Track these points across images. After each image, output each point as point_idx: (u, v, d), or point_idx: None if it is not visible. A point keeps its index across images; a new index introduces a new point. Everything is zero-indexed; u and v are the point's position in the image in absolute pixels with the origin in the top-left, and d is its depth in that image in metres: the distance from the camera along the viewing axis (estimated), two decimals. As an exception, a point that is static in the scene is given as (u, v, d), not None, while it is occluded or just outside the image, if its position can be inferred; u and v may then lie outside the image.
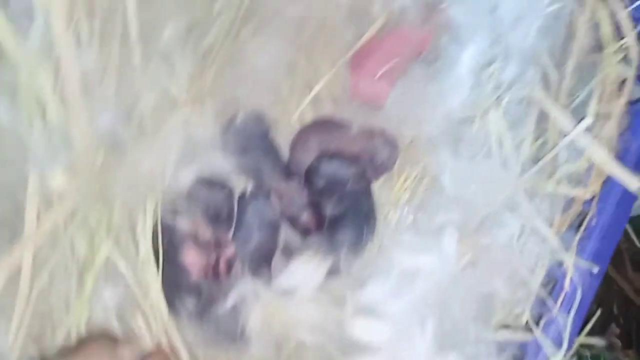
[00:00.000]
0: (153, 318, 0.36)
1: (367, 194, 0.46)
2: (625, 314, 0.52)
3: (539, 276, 0.37)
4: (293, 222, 0.44)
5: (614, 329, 0.50)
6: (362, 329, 0.35)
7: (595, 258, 0.36)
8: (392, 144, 0.47)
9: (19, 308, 0.33)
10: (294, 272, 0.38)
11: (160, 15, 0.40)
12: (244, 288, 0.38)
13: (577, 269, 0.36)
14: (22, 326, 0.33)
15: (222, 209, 0.43)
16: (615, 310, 0.51)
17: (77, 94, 0.35)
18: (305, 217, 0.43)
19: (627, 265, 0.54)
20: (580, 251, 0.36)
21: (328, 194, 0.44)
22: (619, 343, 0.50)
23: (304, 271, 0.38)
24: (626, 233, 0.56)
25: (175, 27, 0.40)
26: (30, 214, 0.33)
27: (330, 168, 0.45)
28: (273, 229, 0.44)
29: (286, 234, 0.45)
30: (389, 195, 0.47)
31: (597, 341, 0.37)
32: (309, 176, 0.45)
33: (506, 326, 0.37)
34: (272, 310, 0.37)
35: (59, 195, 0.35)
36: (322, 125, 0.47)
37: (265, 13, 0.45)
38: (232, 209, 0.43)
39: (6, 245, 0.33)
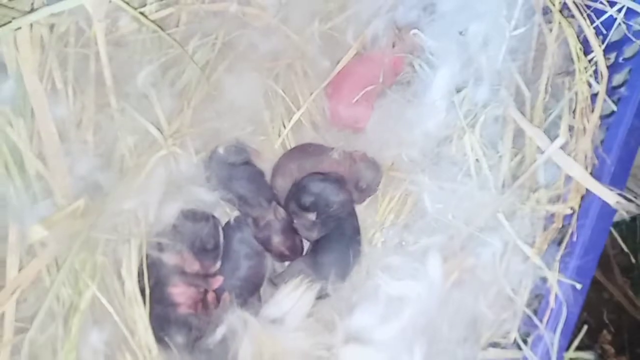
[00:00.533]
0: (142, 356, 0.36)
1: (351, 216, 0.46)
2: (617, 320, 0.52)
3: (524, 294, 0.37)
4: (270, 248, 0.44)
5: (606, 335, 0.50)
6: (351, 357, 0.36)
7: (579, 274, 0.36)
8: (374, 167, 0.48)
9: (5, 355, 0.33)
10: (281, 301, 0.39)
11: (133, 58, 0.41)
12: (233, 320, 0.38)
13: (562, 285, 0.36)
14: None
15: (208, 241, 0.43)
16: (606, 316, 0.52)
17: (54, 144, 0.36)
18: (281, 242, 0.44)
19: (616, 271, 0.55)
20: (563, 268, 0.37)
21: (311, 214, 0.44)
22: (611, 350, 0.50)
23: (291, 299, 0.38)
24: (613, 239, 0.56)
25: (149, 69, 0.41)
26: (11, 265, 0.33)
27: (318, 187, 0.45)
28: (260, 256, 0.44)
29: (273, 261, 0.45)
30: (374, 217, 0.48)
31: (586, 355, 0.37)
32: (297, 194, 0.45)
33: (495, 344, 0.38)
34: (262, 341, 0.37)
35: (41, 245, 0.35)
36: (303, 151, 0.48)
37: (239, 48, 0.46)
38: (218, 240, 0.44)
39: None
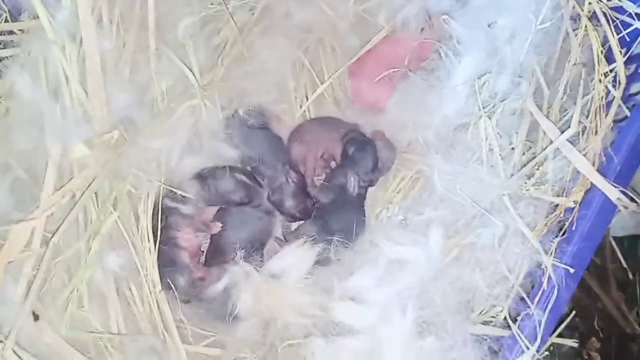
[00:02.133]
0: (147, 288, 0.39)
1: (364, 189, 0.48)
2: (607, 329, 0.54)
3: (519, 275, 0.39)
4: (282, 210, 0.46)
5: (594, 342, 0.52)
6: (345, 313, 0.38)
7: (574, 261, 0.38)
8: (390, 147, 0.50)
9: (29, 264, 0.35)
10: (283, 257, 0.41)
11: (177, 8, 0.44)
12: (236, 271, 0.41)
13: (556, 270, 0.38)
14: (33, 282, 0.35)
15: (237, 199, 0.46)
16: (597, 324, 0.53)
17: (97, 74, 0.39)
18: (293, 205, 0.46)
19: (612, 284, 0.56)
20: (559, 253, 0.39)
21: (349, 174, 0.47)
22: (598, 357, 0.52)
23: (293, 256, 0.41)
24: (614, 253, 0.58)
25: (190, 20, 0.44)
26: (49, 180, 0.36)
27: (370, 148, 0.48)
28: (269, 216, 0.47)
29: (282, 222, 0.48)
30: (383, 195, 0.50)
31: (570, 341, 0.39)
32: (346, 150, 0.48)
33: (485, 322, 0.40)
34: (260, 293, 0.39)
35: (78, 165, 0.38)
36: (323, 123, 0.51)
37: (276, 15, 0.49)
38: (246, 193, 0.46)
39: (24, 208, 0.36)
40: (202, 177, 0.45)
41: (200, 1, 0.46)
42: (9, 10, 0.39)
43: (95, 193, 0.38)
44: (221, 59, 0.47)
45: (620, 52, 0.47)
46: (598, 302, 0.56)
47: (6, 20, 0.40)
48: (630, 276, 0.57)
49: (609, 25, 0.47)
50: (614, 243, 0.58)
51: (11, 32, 0.40)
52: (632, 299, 0.57)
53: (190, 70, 0.44)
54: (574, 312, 0.39)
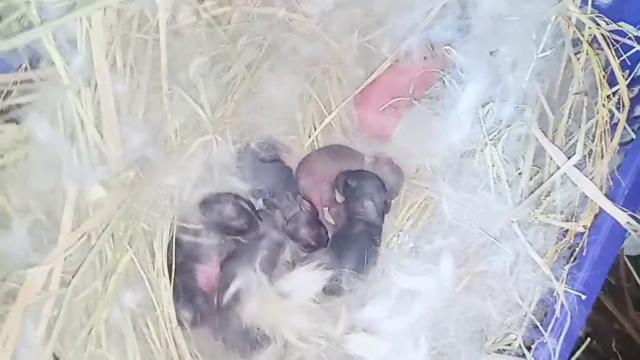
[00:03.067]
0: (163, 324, 0.40)
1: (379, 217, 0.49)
2: (626, 351, 0.53)
3: (532, 303, 0.39)
4: (298, 238, 0.47)
5: (613, 365, 0.52)
6: (358, 345, 0.38)
7: (586, 287, 0.38)
8: (398, 172, 0.51)
9: (48, 307, 0.36)
10: (294, 278, 0.41)
11: (187, 49, 0.46)
12: (250, 275, 0.41)
13: (568, 297, 0.38)
14: (53, 324, 0.36)
15: (237, 225, 0.47)
16: (614, 346, 0.53)
17: (112, 116, 0.40)
18: (307, 233, 0.47)
19: (629, 304, 0.56)
20: (571, 280, 0.39)
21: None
22: (617, 380, 0.51)
23: (303, 278, 0.41)
24: (629, 272, 0.58)
25: (200, 60, 0.46)
26: (66, 222, 0.37)
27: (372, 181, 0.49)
28: (278, 246, 0.48)
29: (291, 251, 0.48)
30: (393, 222, 0.51)
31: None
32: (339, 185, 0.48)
33: (499, 351, 0.39)
34: (268, 304, 0.40)
35: (94, 206, 0.39)
36: (331, 152, 0.52)
37: (283, 50, 0.50)
38: (247, 220, 0.47)
39: (42, 250, 0.37)
40: (206, 202, 0.46)
41: (210, 41, 0.47)
42: (29, 60, 0.41)
43: (112, 233, 0.39)
44: (231, 95, 0.49)
45: (623, 75, 0.48)
46: (615, 323, 0.55)
47: (25, 69, 0.42)
48: (646, 295, 0.57)
49: (610, 49, 0.48)
50: (628, 262, 0.57)
51: (30, 81, 0.42)
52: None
53: (202, 108, 0.46)
54: (589, 339, 0.39)
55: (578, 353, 0.39)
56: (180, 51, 0.45)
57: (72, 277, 0.37)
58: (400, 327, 0.39)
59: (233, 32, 0.48)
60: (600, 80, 0.45)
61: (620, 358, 0.52)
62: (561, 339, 0.37)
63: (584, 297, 0.38)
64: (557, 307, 0.38)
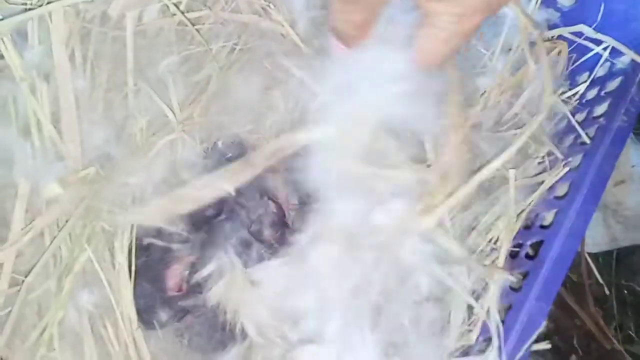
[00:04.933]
0: (122, 326, 0.37)
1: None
2: (586, 347, 0.52)
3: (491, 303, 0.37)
4: (262, 239, 0.45)
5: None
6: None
7: (545, 284, 0.37)
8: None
9: (-1, 306, 0.34)
10: (264, 268, 0.39)
11: (155, 47, 0.44)
12: (224, 259, 0.39)
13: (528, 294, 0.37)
14: (1, 324, 0.34)
15: (203, 227, 0.45)
16: (575, 342, 0.52)
17: (71, 112, 0.38)
18: (271, 235, 0.45)
19: (590, 301, 0.55)
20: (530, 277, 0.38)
21: None
22: (579, 375, 0.51)
23: (272, 271, 0.39)
24: (590, 270, 0.57)
25: (171, 60, 0.44)
26: (17, 218, 0.35)
27: None
28: (244, 247, 0.46)
29: (256, 250, 0.46)
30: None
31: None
32: None
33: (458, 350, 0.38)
34: (236, 287, 0.38)
35: (49, 204, 0.37)
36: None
37: (255, 55, 0.48)
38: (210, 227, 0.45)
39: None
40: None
41: (180, 42, 0.45)
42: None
43: (69, 232, 0.37)
44: (200, 95, 0.47)
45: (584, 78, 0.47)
46: (576, 319, 0.54)
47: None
48: (607, 292, 0.56)
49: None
50: (589, 259, 0.57)
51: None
52: (610, 314, 0.56)
53: (169, 106, 0.44)
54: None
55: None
56: (147, 49, 0.43)
57: (25, 277, 0.34)
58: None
59: (206, 34, 0.46)
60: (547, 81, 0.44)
61: (580, 353, 0.51)
62: (518, 335, 0.36)
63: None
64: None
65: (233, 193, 0.37)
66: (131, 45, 0.39)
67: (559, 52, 0.46)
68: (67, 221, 0.36)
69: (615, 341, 0.53)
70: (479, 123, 0.46)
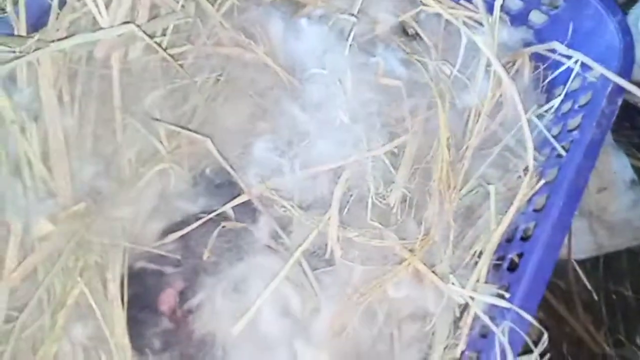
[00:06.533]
0: (117, 356, 0.38)
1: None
2: (576, 354, 0.52)
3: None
4: None
5: (566, 368, 0.51)
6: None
7: (526, 297, 0.37)
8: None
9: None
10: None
11: (141, 84, 0.45)
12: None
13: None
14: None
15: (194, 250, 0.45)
16: (565, 350, 0.52)
17: (61, 149, 0.39)
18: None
19: (578, 307, 0.56)
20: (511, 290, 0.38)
21: None
22: (570, 382, 0.51)
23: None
24: (578, 276, 0.58)
25: (156, 94, 0.45)
26: (11, 256, 0.36)
27: None
28: None
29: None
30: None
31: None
32: None
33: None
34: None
35: (41, 240, 0.38)
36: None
37: (239, 84, 0.49)
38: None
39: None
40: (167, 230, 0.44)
41: (165, 77, 0.46)
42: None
43: (62, 267, 0.38)
44: (187, 125, 0.48)
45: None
46: (566, 326, 0.55)
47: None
48: (595, 297, 0.57)
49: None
50: (576, 266, 0.57)
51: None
52: (599, 319, 0.56)
53: (157, 138, 0.45)
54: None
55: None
56: (133, 85, 0.44)
57: (20, 314, 0.35)
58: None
59: (190, 68, 0.47)
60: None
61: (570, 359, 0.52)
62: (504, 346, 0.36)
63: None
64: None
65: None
66: (117, 84, 0.41)
67: (517, 70, 0.47)
68: (59, 256, 0.37)
69: (605, 346, 0.53)
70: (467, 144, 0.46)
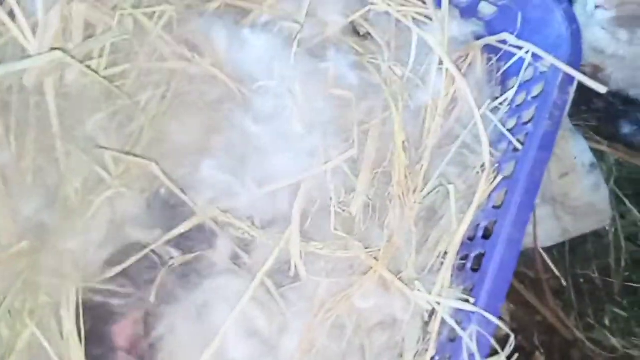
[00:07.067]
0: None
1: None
2: (549, 341, 0.53)
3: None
4: None
5: (538, 357, 0.52)
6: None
7: (491, 296, 0.37)
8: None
9: None
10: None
11: (82, 106, 0.43)
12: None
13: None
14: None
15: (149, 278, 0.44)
16: (536, 339, 0.53)
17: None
18: None
19: (548, 294, 0.56)
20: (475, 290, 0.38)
21: None
22: (543, 370, 0.52)
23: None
24: (546, 264, 0.58)
25: (98, 116, 0.43)
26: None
27: None
28: None
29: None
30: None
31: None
32: None
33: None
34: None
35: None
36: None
37: (187, 99, 0.48)
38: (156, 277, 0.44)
39: None
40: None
41: (107, 98, 0.44)
42: None
43: (9, 310, 0.36)
44: (135, 146, 0.46)
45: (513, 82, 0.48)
46: (537, 315, 0.55)
47: None
48: (564, 283, 0.58)
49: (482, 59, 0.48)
50: (544, 254, 0.58)
51: None
52: (569, 305, 0.57)
53: (101, 164, 0.42)
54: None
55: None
56: (72, 109, 0.42)
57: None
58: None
59: (132, 87, 0.45)
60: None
61: (542, 350, 0.52)
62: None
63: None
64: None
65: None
66: (54, 110, 0.38)
67: (470, 64, 0.47)
68: (4, 299, 0.35)
69: (576, 331, 0.54)
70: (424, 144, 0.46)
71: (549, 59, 0.44)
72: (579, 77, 0.43)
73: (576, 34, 0.45)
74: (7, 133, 0.38)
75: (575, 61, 0.44)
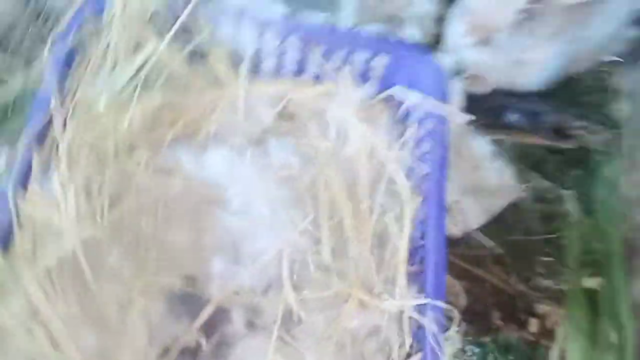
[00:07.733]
0: None
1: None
2: (498, 302, 0.68)
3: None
4: None
5: (493, 314, 0.67)
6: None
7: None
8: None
9: None
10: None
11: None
12: None
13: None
14: None
15: None
16: (488, 302, 0.68)
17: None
18: None
19: (489, 263, 0.71)
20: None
21: None
22: (501, 323, 0.67)
23: None
24: (479, 241, 0.74)
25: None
26: None
27: None
28: None
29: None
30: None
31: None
32: None
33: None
34: None
35: None
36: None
37: (174, 210, 0.60)
38: None
39: None
40: None
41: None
42: None
43: None
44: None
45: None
46: (485, 283, 0.71)
47: None
48: (500, 251, 0.73)
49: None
50: (477, 235, 0.73)
51: None
52: (507, 266, 0.72)
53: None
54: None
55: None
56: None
57: None
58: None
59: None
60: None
61: (495, 309, 0.67)
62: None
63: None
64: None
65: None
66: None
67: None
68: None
69: (518, 285, 0.69)
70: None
71: (429, 103, 0.60)
72: (450, 107, 0.59)
73: (439, 75, 0.61)
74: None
75: (444, 95, 0.60)
